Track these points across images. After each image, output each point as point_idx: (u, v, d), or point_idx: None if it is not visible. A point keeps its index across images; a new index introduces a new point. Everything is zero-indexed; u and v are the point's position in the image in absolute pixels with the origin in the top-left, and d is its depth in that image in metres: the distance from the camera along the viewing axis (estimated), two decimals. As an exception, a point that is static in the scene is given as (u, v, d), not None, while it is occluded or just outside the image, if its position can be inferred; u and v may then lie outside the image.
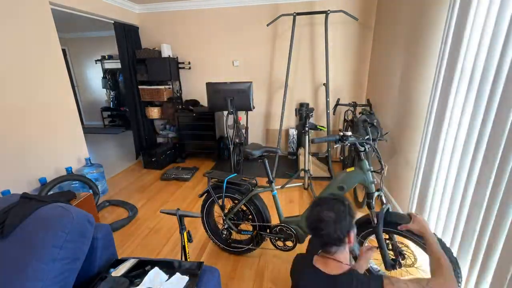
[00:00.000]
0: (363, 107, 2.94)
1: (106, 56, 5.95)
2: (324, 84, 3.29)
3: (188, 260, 1.44)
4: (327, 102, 3.24)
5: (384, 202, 1.41)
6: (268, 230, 1.79)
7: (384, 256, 1.42)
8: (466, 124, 1.43)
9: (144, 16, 3.91)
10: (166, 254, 1.99)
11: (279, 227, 1.73)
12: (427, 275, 1.58)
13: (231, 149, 3.00)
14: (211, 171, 1.93)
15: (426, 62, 1.93)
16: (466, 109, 1.44)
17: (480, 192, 1.28)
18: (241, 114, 3.72)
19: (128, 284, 1.06)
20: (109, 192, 3.06)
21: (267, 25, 3.37)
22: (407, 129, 2.24)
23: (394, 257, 1.44)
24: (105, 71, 6.07)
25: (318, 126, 3.05)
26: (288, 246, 1.77)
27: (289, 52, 3.24)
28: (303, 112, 3.57)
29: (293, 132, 3.88)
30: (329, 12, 3.00)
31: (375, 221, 1.38)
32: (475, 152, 1.34)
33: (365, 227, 1.48)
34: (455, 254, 1.29)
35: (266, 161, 1.75)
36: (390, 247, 1.45)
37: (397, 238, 1.45)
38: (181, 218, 1.39)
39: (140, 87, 3.90)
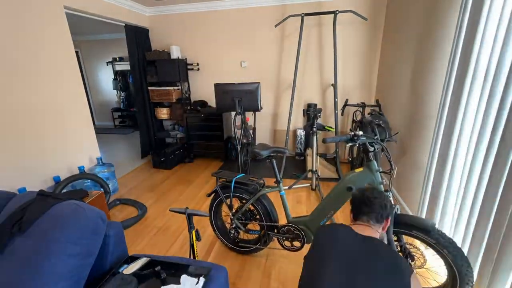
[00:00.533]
0: (372, 108, 2.92)
1: (117, 58, 6.08)
2: (332, 84, 3.27)
3: (196, 258, 1.46)
4: (335, 103, 3.22)
5: (392, 203, 1.39)
6: (275, 230, 1.80)
7: None
8: (479, 125, 1.40)
9: (154, 18, 3.99)
10: (175, 252, 2.02)
11: (286, 227, 1.74)
12: (437, 276, 1.55)
13: (239, 149, 3.02)
14: (220, 171, 1.95)
15: (437, 61, 1.90)
16: (480, 109, 1.40)
17: (492, 195, 1.25)
18: (249, 115, 3.73)
19: (136, 283, 1.07)
20: (120, 191, 3.12)
21: (275, 26, 3.38)
22: (417, 130, 2.20)
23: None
24: (116, 72, 6.20)
25: (326, 127, 3.04)
26: (295, 246, 1.77)
27: (297, 53, 3.24)
28: (311, 112, 3.56)
29: (300, 132, 3.87)
30: (337, 12, 2.98)
31: None
32: (488, 154, 1.31)
33: None
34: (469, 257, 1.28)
35: (274, 161, 1.76)
36: (399, 248, 1.43)
37: (406, 239, 1.44)
38: (189, 217, 1.41)
39: (149, 88, 3.97)
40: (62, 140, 2.58)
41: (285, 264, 1.87)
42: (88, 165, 2.87)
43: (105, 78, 6.49)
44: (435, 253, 1.30)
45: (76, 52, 6.19)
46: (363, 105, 3.04)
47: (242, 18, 3.69)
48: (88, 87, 6.58)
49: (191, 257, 1.47)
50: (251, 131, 3.31)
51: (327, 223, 1.17)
